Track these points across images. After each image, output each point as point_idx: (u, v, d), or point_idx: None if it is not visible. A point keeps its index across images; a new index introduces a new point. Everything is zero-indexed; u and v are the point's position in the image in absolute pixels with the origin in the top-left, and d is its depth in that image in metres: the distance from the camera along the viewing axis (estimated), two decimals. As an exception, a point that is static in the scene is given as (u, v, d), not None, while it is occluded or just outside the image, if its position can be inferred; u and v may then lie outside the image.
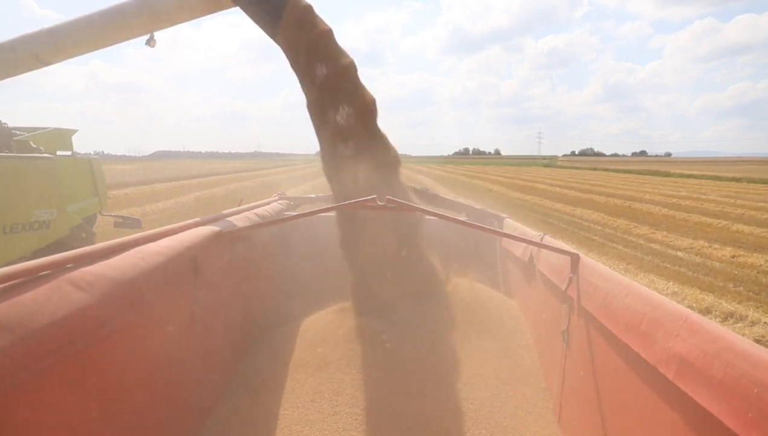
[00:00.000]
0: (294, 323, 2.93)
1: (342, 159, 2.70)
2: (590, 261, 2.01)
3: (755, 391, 0.93)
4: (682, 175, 39.42)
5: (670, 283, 6.04)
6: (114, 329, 1.37)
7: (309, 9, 2.67)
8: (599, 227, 10.77)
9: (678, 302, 1.43)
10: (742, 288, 5.90)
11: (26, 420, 1.06)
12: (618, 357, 1.56)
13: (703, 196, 18.62)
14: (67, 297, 1.18)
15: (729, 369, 1.02)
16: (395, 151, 2.89)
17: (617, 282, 1.69)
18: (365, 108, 2.69)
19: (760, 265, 7.05)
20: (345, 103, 2.63)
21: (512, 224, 3.37)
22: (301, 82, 2.77)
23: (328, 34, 2.67)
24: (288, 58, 2.77)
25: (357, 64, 2.76)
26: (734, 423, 0.97)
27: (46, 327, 1.07)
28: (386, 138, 2.83)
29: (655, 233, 9.76)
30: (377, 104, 2.77)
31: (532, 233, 2.77)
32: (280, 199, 4.19)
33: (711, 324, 1.17)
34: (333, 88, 2.64)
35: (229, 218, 2.66)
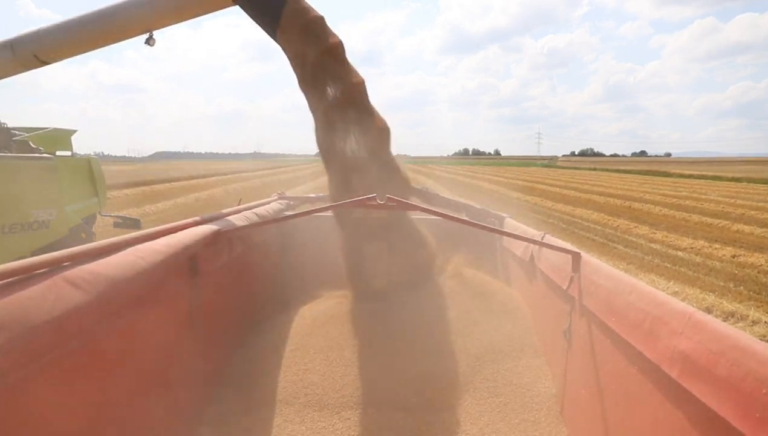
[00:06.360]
0: (289, 312, 2.93)
1: (335, 135, 2.77)
2: (592, 259, 2.00)
3: (763, 391, 0.91)
4: (681, 176, 39.42)
5: (671, 283, 6.02)
6: (111, 327, 1.36)
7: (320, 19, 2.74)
8: (599, 227, 10.76)
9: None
10: (742, 288, 5.89)
11: (22, 419, 1.04)
12: (621, 355, 1.54)
13: (703, 197, 18.61)
14: (64, 295, 1.17)
15: (735, 367, 1.00)
16: (384, 123, 2.94)
17: (619, 280, 1.67)
18: (355, 86, 2.76)
19: (761, 265, 7.03)
20: (336, 83, 2.71)
21: (513, 224, 3.36)
22: (296, 73, 2.79)
23: (320, 20, 2.72)
24: (287, 56, 2.77)
25: (355, 64, 2.79)
26: (741, 423, 0.95)
27: (42, 325, 1.06)
28: (376, 111, 2.88)
29: (655, 233, 9.74)
30: (377, 103, 2.82)
31: (533, 232, 2.75)
32: (279, 198, 4.18)
33: (716, 322, 1.16)
34: (325, 69, 2.70)
35: (228, 218, 2.65)
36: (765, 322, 4.60)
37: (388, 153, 2.95)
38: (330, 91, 2.70)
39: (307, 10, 2.69)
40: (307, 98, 2.81)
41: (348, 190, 2.65)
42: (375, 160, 2.78)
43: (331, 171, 2.89)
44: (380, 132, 2.87)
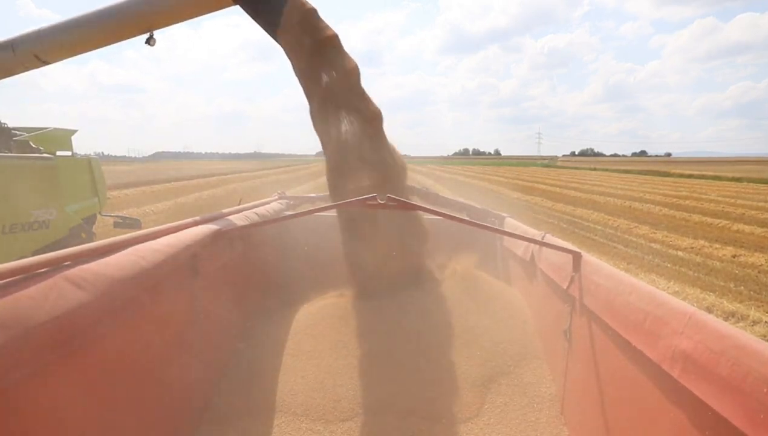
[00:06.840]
0: (289, 312, 2.93)
1: (348, 170, 2.68)
2: (592, 259, 2.00)
3: (764, 390, 0.91)
4: (682, 175, 39.38)
5: (671, 282, 6.02)
6: (112, 327, 1.36)
7: (312, 12, 2.65)
8: (600, 227, 10.75)
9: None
10: (743, 288, 5.89)
11: (23, 418, 1.04)
12: (621, 355, 1.54)
13: (704, 196, 18.61)
14: (65, 295, 1.17)
15: (736, 367, 1.00)
16: (401, 159, 2.88)
17: (620, 280, 1.67)
18: (369, 116, 2.66)
19: (761, 264, 7.03)
20: (349, 111, 2.60)
21: (513, 223, 3.36)
22: (301, 84, 2.75)
23: (332, 39, 2.63)
24: (289, 58, 2.76)
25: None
26: (742, 423, 0.95)
27: (43, 325, 1.06)
28: (391, 145, 2.83)
29: (655, 233, 9.74)
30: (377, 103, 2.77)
31: (534, 232, 2.75)
32: (279, 198, 4.18)
33: (716, 321, 1.16)
34: (336, 94, 2.62)
35: (229, 217, 2.65)
36: (765, 322, 4.60)
37: (382, 137, 2.83)
38: (325, 78, 2.59)
39: (310, 14, 2.64)
40: (305, 90, 2.73)
41: (343, 177, 2.62)
42: (367, 141, 2.66)
43: (326, 155, 2.83)
44: (373, 116, 2.75)
